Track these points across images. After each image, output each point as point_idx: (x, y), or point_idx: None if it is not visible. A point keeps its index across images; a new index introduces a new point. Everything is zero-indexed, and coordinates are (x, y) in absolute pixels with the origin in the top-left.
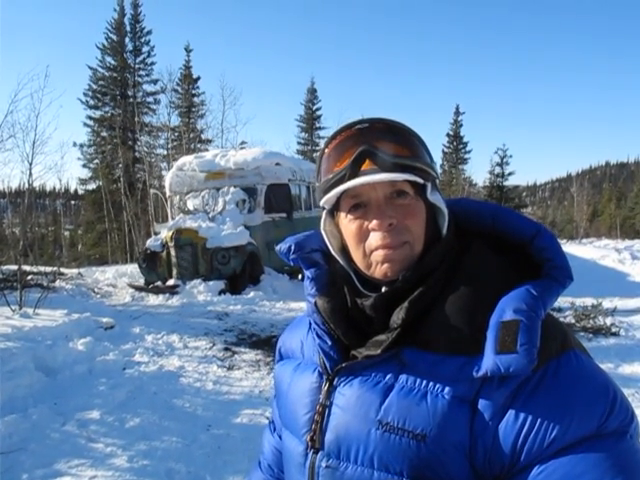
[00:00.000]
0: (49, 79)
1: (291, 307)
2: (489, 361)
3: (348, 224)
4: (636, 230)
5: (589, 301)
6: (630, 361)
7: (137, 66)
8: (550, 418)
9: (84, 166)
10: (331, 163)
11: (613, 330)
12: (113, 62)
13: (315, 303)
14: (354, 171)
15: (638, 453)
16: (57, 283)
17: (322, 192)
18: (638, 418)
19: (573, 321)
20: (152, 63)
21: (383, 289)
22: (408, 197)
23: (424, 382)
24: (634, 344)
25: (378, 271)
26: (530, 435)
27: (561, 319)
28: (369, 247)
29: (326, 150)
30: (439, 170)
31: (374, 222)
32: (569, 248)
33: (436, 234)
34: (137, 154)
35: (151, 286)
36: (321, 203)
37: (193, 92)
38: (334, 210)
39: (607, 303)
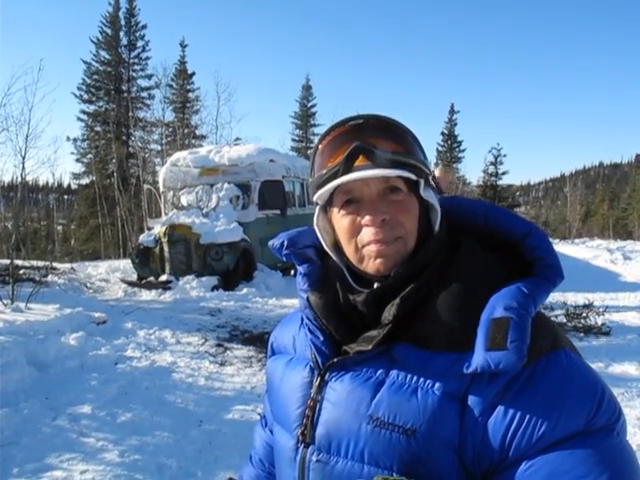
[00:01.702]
0: (43, 72)
1: (284, 304)
2: (479, 357)
3: (341, 219)
4: (628, 231)
5: (581, 301)
6: (620, 361)
7: (132, 61)
8: (538, 414)
9: (77, 161)
10: (325, 159)
11: (604, 330)
12: (107, 56)
13: (307, 299)
14: (347, 167)
15: (624, 450)
16: (49, 278)
17: (315, 187)
18: (626, 416)
19: (564, 320)
20: (147, 58)
21: (375, 285)
22: (401, 193)
23: (415, 378)
24: (625, 344)
25: (371, 266)
26: (518, 431)
27: (552, 318)
28: (361, 242)
29: (320, 146)
30: (433, 168)
31: (367, 218)
32: (562, 248)
33: (429, 231)
34: (131, 149)
35: (144, 281)
36: (314, 198)
37: (188, 88)
38: (327, 206)
39: (598, 303)
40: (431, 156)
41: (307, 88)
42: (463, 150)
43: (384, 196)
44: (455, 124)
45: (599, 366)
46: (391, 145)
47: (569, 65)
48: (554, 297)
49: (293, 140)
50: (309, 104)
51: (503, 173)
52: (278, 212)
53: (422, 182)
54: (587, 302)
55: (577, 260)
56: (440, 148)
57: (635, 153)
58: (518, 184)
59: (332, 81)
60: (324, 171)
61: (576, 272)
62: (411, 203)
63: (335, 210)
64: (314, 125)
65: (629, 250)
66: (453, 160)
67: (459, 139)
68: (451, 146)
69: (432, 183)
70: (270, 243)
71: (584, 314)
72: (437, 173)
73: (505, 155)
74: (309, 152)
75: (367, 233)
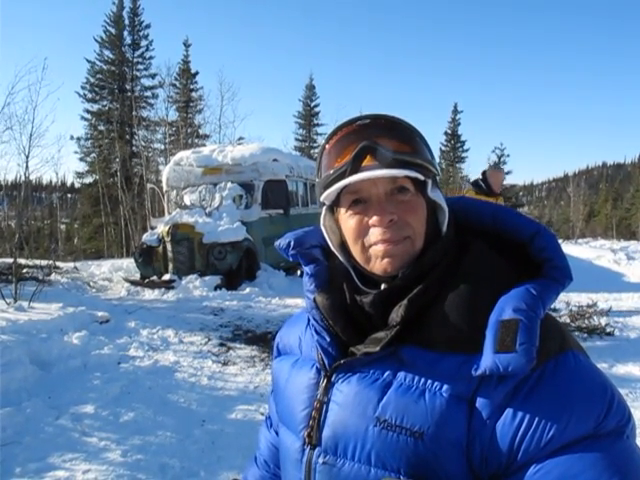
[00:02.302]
0: (47, 72)
1: (287, 303)
2: (488, 360)
3: (348, 219)
4: (632, 231)
5: (584, 301)
6: (624, 361)
7: (135, 60)
8: (547, 417)
9: (81, 160)
10: (332, 159)
11: (608, 330)
12: (111, 56)
13: (314, 299)
14: (355, 167)
15: (635, 453)
16: (52, 276)
17: (322, 188)
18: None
19: (568, 321)
20: (150, 57)
21: (382, 286)
22: (409, 193)
23: (422, 380)
24: (629, 344)
25: (378, 266)
26: (527, 434)
27: (556, 319)
28: (368, 242)
29: (327, 146)
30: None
31: (374, 218)
32: (565, 248)
33: (436, 231)
34: (134, 148)
35: (147, 281)
36: (321, 199)
37: (191, 87)
38: (334, 206)
39: (602, 303)
40: (435, 156)
41: (310, 88)
42: (466, 150)
43: (392, 196)
44: (458, 124)
45: (603, 367)
46: (398, 145)
47: (572, 65)
48: (557, 297)
49: (296, 140)
50: (312, 104)
51: (506, 173)
52: (281, 212)
53: (430, 182)
54: (591, 302)
55: (580, 260)
56: (444, 148)
57: (638, 153)
58: (521, 184)
59: (335, 81)
60: (331, 171)
61: (579, 272)
62: (419, 203)
63: (342, 210)
64: (317, 125)
65: (633, 250)
66: (456, 160)
67: (462, 139)
68: (454, 146)
69: (483, 183)
70: (276, 243)
71: (588, 314)
72: (489, 173)
73: (508, 155)
74: (312, 152)
75: (374, 233)
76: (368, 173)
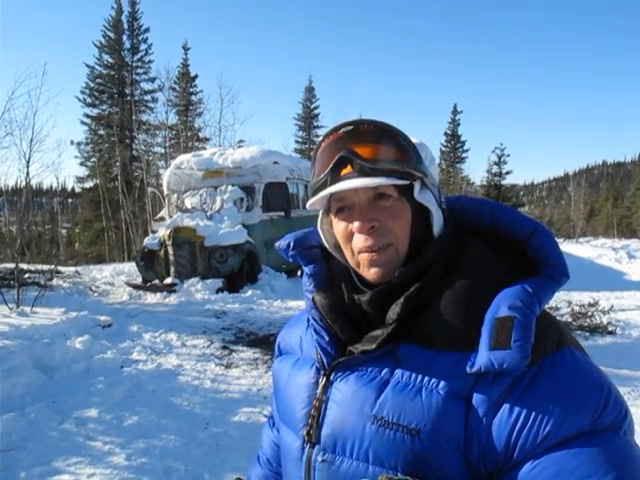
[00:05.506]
0: (47, 77)
1: (289, 306)
2: (483, 357)
3: (337, 225)
4: (633, 229)
5: (586, 300)
6: (626, 360)
7: (135, 64)
8: (544, 413)
9: (81, 164)
10: (318, 167)
11: (610, 329)
12: (110, 60)
13: (313, 299)
14: (334, 176)
15: (632, 449)
16: (54, 281)
17: (310, 195)
18: (633, 415)
19: (570, 320)
20: (150, 61)
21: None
22: (391, 199)
23: (419, 377)
24: (630, 343)
25: (366, 274)
26: (523, 431)
27: (558, 318)
28: (355, 248)
29: (317, 154)
30: (437, 169)
31: (356, 225)
32: (566, 247)
33: (427, 232)
34: (135, 152)
35: (149, 284)
36: (307, 206)
37: (191, 90)
38: (327, 210)
39: (604, 302)
40: (434, 157)
41: (310, 90)
42: (466, 150)
43: (374, 202)
44: (458, 124)
45: (605, 365)
46: (381, 151)
47: (572, 64)
48: (559, 296)
49: (296, 142)
50: (312, 106)
51: (507, 173)
52: (282, 214)
53: (417, 185)
54: (592, 301)
55: (582, 259)
56: (444, 148)
57: (638, 152)
58: (522, 184)
59: (335, 82)
60: (317, 179)
61: (581, 271)
62: (402, 208)
63: (332, 215)
64: (317, 127)
65: (634, 249)
66: (457, 160)
67: (462, 139)
68: (454, 146)
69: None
70: (277, 244)
71: (589, 313)
72: None
73: (509, 155)
74: (312, 154)
75: (358, 239)
76: (344, 184)
